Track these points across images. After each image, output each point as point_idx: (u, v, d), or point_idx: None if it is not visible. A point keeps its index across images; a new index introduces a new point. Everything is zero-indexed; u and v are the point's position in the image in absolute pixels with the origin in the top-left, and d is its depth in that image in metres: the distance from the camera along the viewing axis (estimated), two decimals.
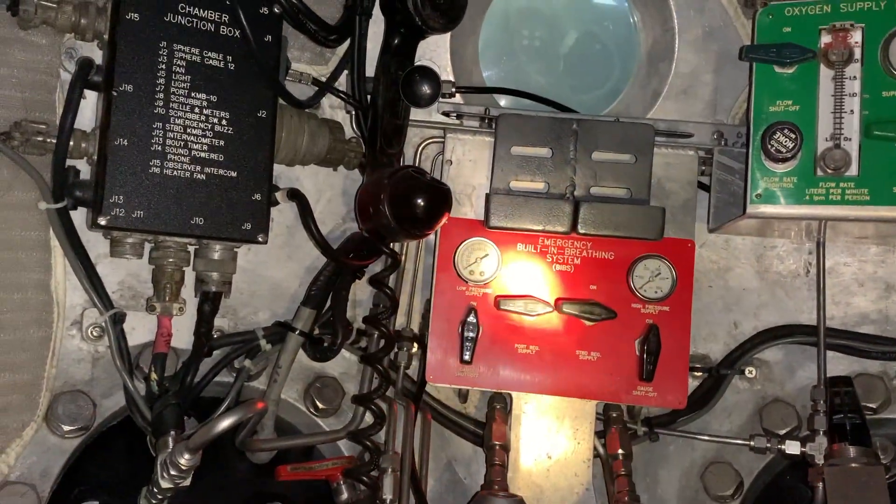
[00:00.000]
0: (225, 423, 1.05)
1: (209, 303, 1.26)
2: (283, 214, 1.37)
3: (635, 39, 1.53)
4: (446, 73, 1.42)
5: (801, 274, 1.44)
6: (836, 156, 1.16)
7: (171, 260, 1.21)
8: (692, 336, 1.34)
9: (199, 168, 1.18)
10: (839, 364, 1.41)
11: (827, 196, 1.17)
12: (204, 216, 1.17)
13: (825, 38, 1.19)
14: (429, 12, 1.26)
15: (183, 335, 1.27)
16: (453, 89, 1.37)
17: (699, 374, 1.45)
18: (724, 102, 1.41)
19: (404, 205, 1.20)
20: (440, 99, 1.32)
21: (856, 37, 1.17)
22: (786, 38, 1.20)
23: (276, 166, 1.26)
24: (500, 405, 1.36)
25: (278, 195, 1.27)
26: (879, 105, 1.16)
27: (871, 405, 1.38)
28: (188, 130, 1.17)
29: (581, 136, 1.32)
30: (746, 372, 1.43)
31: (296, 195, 1.26)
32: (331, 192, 1.42)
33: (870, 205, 1.15)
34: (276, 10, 1.23)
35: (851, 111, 1.17)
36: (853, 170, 1.16)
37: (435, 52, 1.42)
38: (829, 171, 1.16)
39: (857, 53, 1.17)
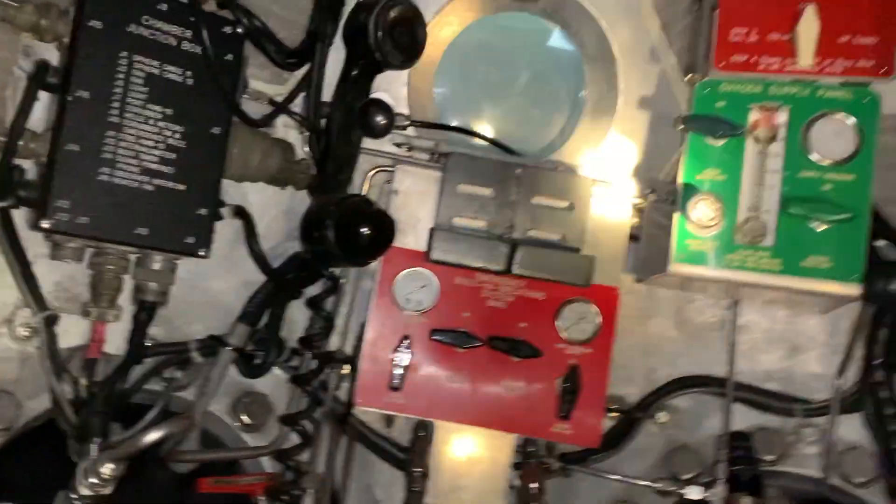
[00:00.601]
0: (152, 436, 1.07)
1: (145, 312, 1.26)
2: (226, 227, 1.37)
3: (582, 89, 1.60)
4: (402, 105, 1.46)
5: (717, 328, 1.52)
6: (754, 226, 1.24)
7: (111, 267, 1.21)
8: (611, 377, 1.40)
9: (147, 179, 1.18)
10: (744, 416, 1.49)
11: (743, 263, 1.25)
12: (149, 227, 1.18)
13: (754, 116, 1.27)
14: (389, 49, 1.29)
15: (115, 341, 1.27)
16: (407, 122, 1.41)
17: (615, 414, 1.52)
18: (658, 161, 1.48)
19: (349, 233, 1.23)
20: (393, 130, 1.36)
21: (781, 117, 1.27)
22: (719, 112, 1.28)
23: (224, 180, 1.27)
24: (423, 433, 1.40)
25: (224, 211, 1.29)
26: (796, 184, 1.25)
27: (768, 457, 1.46)
28: (141, 141, 1.18)
29: (523, 180, 1.38)
30: (658, 417, 1.51)
31: (241, 213, 1.28)
32: (276, 209, 1.43)
33: (781, 274, 1.24)
34: (238, 30, 1.25)
35: (772, 186, 1.26)
36: (769, 240, 1.25)
37: (392, 84, 1.45)
38: (748, 240, 1.25)
39: (782, 133, 1.26)
